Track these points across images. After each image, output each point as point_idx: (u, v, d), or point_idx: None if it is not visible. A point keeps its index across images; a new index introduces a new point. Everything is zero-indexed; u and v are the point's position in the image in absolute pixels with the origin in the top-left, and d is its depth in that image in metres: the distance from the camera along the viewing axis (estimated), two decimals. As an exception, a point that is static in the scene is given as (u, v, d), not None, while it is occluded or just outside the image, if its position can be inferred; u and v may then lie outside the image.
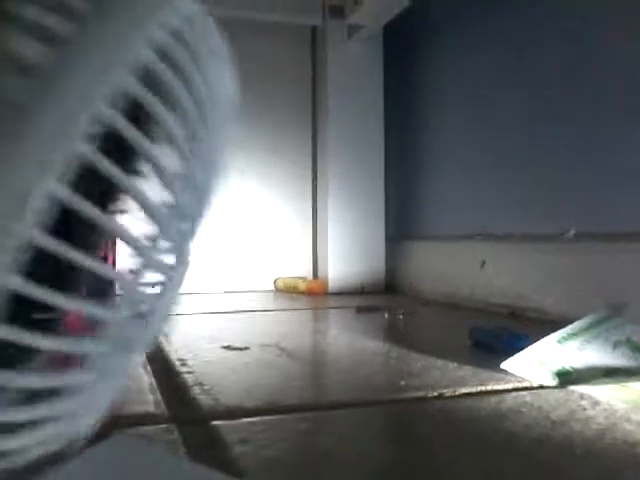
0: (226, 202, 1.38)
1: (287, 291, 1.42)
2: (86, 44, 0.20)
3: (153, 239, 0.25)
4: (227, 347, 0.68)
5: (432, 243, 1.28)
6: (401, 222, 1.44)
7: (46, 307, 0.22)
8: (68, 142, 0.20)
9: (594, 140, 0.85)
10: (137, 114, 0.23)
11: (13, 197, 0.19)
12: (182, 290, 0.29)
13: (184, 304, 0.32)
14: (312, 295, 1.35)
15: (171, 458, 0.34)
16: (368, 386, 0.52)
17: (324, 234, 1.43)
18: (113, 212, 0.26)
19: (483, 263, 1.07)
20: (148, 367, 0.58)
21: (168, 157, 0.25)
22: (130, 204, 0.25)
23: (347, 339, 0.76)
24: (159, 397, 0.48)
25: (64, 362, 0.24)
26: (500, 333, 0.66)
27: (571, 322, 0.57)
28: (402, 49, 1.43)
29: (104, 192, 0.24)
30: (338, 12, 1.42)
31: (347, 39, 1.42)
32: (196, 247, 0.29)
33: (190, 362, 0.60)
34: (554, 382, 0.51)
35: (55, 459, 0.26)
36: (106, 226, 0.22)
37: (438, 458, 0.36)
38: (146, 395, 0.48)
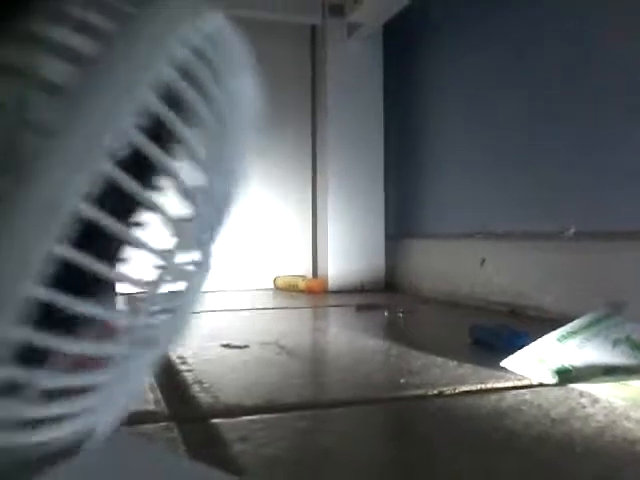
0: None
1: (287, 289, 1.42)
2: (110, 64, 0.21)
3: (173, 249, 0.25)
4: (227, 345, 0.68)
5: (432, 241, 1.28)
6: (401, 220, 1.44)
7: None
8: (93, 161, 0.20)
9: (594, 140, 0.85)
10: (159, 131, 0.23)
11: (39, 214, 0.20)
12: (202, 293, 0.30)
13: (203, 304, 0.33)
14: (312, 293, 1.35)
15: (171, 456, 0.34)
16: (368, 384, 0.52)
17: (324, 232, 1.43)
18: (135, 224, 0.26)
19: (483, 261, 1.07)
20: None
21: (189, 172, 0.25)
22: (151, 216, 0.25)
23: (347, 337, 0.76)
24: (159, 395, 0.48)
25: (85, 362, 0.25)
26: (500, 331, 0.66)
27: (571, 320, 0.57)
28: (402, 48, 1.43)
29: (126, 205, 0.25)
30: (338, 11, 1.42)
31: (347, 38, 1.42)
32: (216, 252, 0.30)
33: (190, 360, 0.60)
34: (554, 380, 0.51)
35: (55, 458, 0.26)
36: (128, 238, 0.23)
37: (438, 456, 0.36)
38: (146, 393, 0.48)
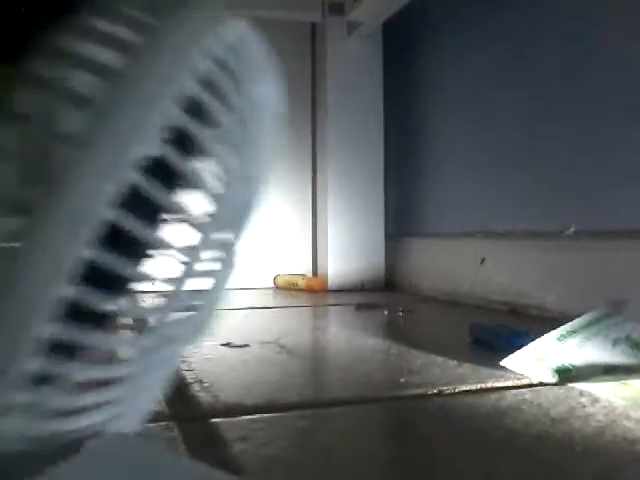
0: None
1: (287, 288, 1.42)
2: (135, 77, 0.22)
3: (197, 247, 0.27)
4: (227, 344, 0.68)
5: (432, 240, 1.28)
6: (401, 219, 1.44)
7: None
8: (120, 171, 0.21)
9: (594, 140, 0.85)
10: (183, 138, 0.24)
11: (70, 222, 0.21)
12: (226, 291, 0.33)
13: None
14: (312, 292, 1.35)
15: (171, 456, 0.34)
16: (368, 383, 0.52)
17: (324, 231, 1.43)
18: (159, 224, 0.27)
19: (483, 260, 1.07)
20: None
21: (211, 178, 0.27)
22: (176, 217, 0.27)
23: (347, 336, 0.76)
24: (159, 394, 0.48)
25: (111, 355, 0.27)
26: (500, 331, 0.66)
27: (571, 319, 0.57)
28: (402, 47, 1.43)
29: (151, 208, 0.26)
30: (338, 9, 1.42)
31: (347, 36, 1.42)
32: (240, 251, 0.33)
33: (190, 359, 0.60)
34: (554, 379, 0.51)
35: (54, 458, 0.26)
36: (153, 239, 0.25)
37: (438, 455, 0.36)
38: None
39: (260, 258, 1.47)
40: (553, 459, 0.35)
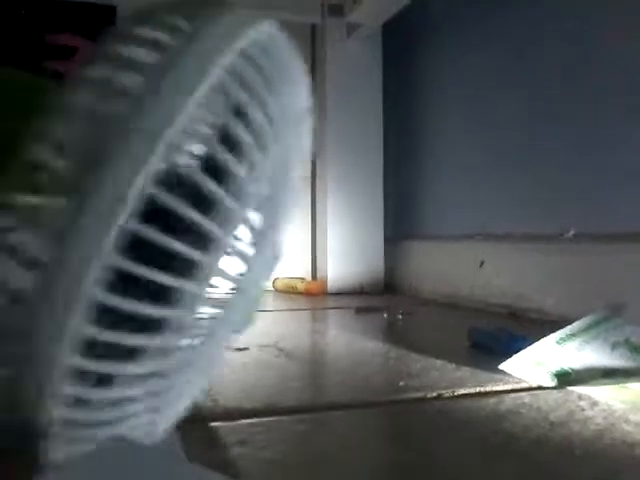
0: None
1: (286, 291, 1.42)
2: (170, 73, 0.24)
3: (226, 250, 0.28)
4: (226, 347, 0.68)
5: (431, 243, 1.28)
6: (400, 222, 1.44)
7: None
8: (156, 159, 0.23)
9: (594, 140, 0.85)
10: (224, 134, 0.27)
11: (111, 199, 0.23)
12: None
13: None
14: (311, 295, 1.35)
15: (169, 459, 0.34)
16: (367, 387, 0.52)
17: (323, 234, 1.43)
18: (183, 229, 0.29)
19: (482, 263, 1.07)
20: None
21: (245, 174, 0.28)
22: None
23: (346, 339, 0.76)
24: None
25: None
26: (499, 335, 0.65)
27: (571, 322, 0.57)
28: (401, 48, 1.43)
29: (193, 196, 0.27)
30: (337, 10, 1.42)
31: (346, 38, 1.42)
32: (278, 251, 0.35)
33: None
34: (553, 383, 0.51)
35: (53, 461, 0.26)
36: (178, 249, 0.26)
37: (437, 459, 0.36)
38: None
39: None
40: (552, 463, 0.35)
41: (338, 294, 1.38)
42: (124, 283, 0.26)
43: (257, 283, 0.33)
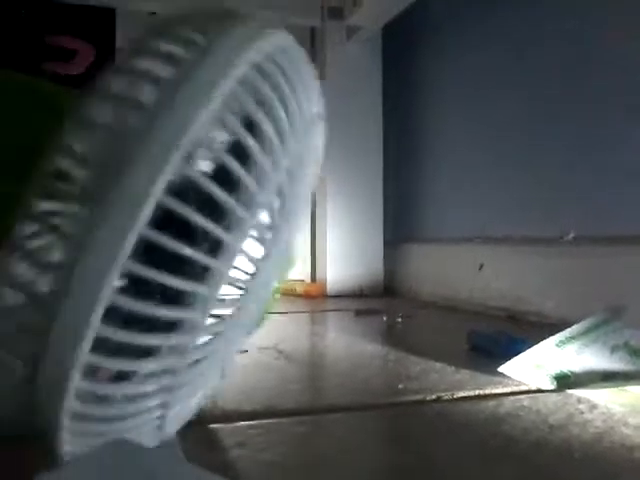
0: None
1: (285, 294, 1.42)
2: (184, 86, 0.25)
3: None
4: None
5: (431, 246, 1.28)
6: (400, 225, 1.44)
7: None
8: (171, 163, 0.24)
9: (594, 140, 0.85)
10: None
11: (129, 206, 0.24)
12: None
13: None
14: (310, 298, 1.35)
15: (169, 460, 0.34)
16: (366, 389, 0.52)
17: (322, 237, 1.43)
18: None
19: (481, 266, 1.07)
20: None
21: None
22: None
23: (345, 342, 0.76)
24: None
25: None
26: (498, 338, 0.65)
27: (571, 325, 0.57)
28: (401, 50, 1.44)
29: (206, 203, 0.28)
30: (337, 13, 1.42)
31: (346, 40, 1.42)
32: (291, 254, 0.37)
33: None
34: (552, 386, 0.51)
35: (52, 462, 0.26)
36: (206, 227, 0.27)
37: (436, 462, 0.36)
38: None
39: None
40: (551, 466, 0.35)
41: (337, 297, 1.38)
42: (139, 286, 0.27)
43: (267, 285, 0.34)
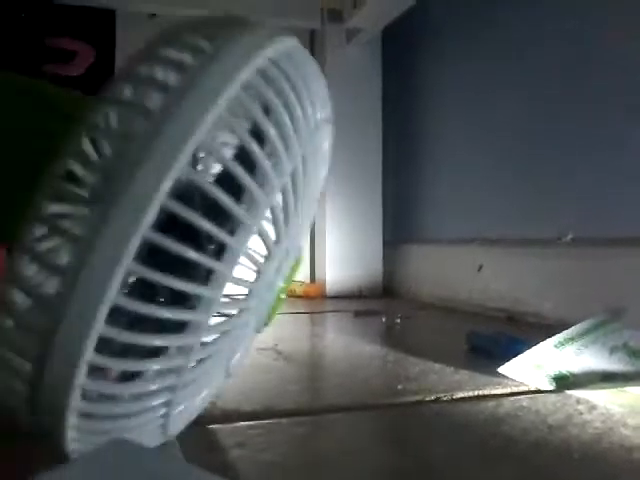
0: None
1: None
2: (190, 92, 0.26)
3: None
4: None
5: (430, 247, 1.28)
6: (399, 226, 1.44)
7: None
8: (175, 168, 0.25)
9: (594, 140, 0.85)
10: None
11: (133, 209, 0.25)
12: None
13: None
14: (309, 299, 1.35)
15: (168, 461, 0.34)
16: (365, 390, 0.52)
17: (322, 238, 1.43)
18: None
19: (480, 267, 1.07)
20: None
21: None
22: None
23: (344, 343, 0.76)
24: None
25: None
26: (497, 338, 0.66)
27: (569, 327, 0.57)
28: (401, 52, 1.44)
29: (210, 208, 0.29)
30: (336, 16, 1.42)
31: (346, 43, 1.42)
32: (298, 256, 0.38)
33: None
34: (551, 386, 0.51)
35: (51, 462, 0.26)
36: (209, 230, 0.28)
37: (435, 462, 0.36)
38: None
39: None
40: (550, 466, 0.35)
41: (336, 297, 1.38)
42: (146, 289, 0.28)
43: (272, 286, 0.35)
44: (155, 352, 0.29)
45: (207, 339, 0.31)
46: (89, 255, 0.24)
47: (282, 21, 1.44)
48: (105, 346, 0.26)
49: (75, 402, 0.26)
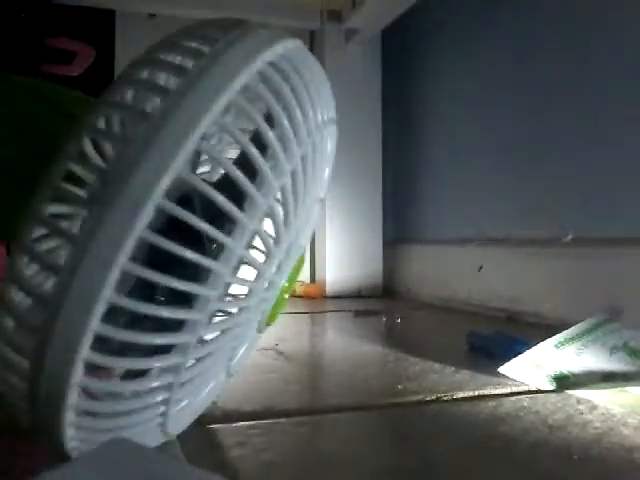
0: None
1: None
2: (186, 93, 0.26)
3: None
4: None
5: (430, 247, 1.28)
6: (399, 226, 1.45)
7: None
8: (172, 167, 0.25)
9: (594, 141, 0.85)
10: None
11: (129, 209, 0.25)
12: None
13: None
14: (309, 298, 1.35)
15: (168, 461, 0.34)
16: (366, 390, 0.52)
17: (322, 238, 1.43)
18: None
19: (480, 268, 1.07)
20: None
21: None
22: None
23: (344, 343, 0.76)
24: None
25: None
26: (497, 338, 0.66)
27: (569, 326, 0.57)
28: (401, 52, 1.44)
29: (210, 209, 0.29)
30: (336, 16, 1.42)
31: (345, 43, 1.42)
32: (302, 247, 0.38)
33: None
34: (552, 386, 0.51)
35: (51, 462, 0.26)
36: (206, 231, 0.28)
37: (435, 462, 0.36)
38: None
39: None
40: (550, 466, 0.35)
41: (336, 297, 1.38)
42: (148, 288, 0.28)
43: (273, 285, 0.35)
44: (154, 351, 0.29)
45: (206, 337, 0.32)
46: (85, 255, 0.24)
47: (281, 21, 1.44)
48: (104, 345, 0.26)
49: (72, 399, 0.26)
